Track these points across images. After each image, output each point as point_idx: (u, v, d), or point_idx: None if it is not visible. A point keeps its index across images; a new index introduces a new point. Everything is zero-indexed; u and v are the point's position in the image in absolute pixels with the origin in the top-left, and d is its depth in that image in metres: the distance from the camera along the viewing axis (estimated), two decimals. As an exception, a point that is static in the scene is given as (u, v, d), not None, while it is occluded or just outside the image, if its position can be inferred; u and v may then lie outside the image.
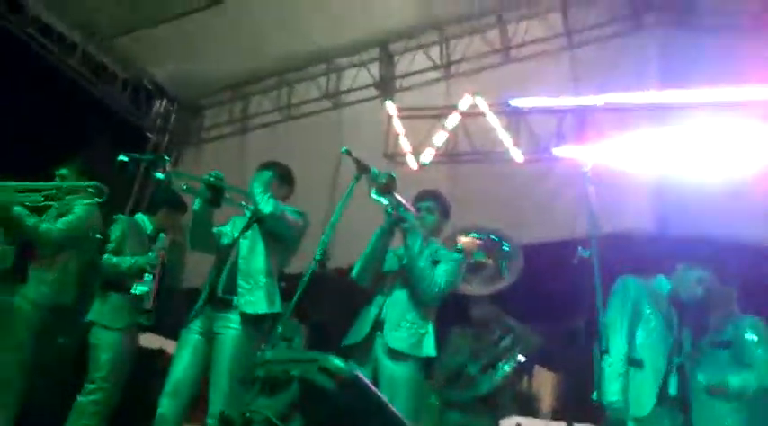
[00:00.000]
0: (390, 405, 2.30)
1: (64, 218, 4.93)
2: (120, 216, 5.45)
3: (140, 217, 5.43)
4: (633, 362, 3.82)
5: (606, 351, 3.54)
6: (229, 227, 4.65)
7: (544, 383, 5.83)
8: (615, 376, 3.83)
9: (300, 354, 2.51)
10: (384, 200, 4.19)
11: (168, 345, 6.04)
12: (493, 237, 5.05)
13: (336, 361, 2.32)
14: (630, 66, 7.37)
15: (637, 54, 7.35)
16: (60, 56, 8.71)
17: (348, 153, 4.17)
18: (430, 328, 4.17)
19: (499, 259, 5.09)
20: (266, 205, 4.38)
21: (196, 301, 4.34)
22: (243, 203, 4.67)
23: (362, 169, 4.15)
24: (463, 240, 4.88)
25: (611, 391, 3.78)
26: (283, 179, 4.74)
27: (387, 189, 4.18)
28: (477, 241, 4.95)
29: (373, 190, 4.16)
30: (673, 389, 3.83)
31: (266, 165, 4.75)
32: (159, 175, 4.30)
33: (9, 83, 8.86)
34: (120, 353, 4.85)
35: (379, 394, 2.31)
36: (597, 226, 3.68)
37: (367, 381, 2.29)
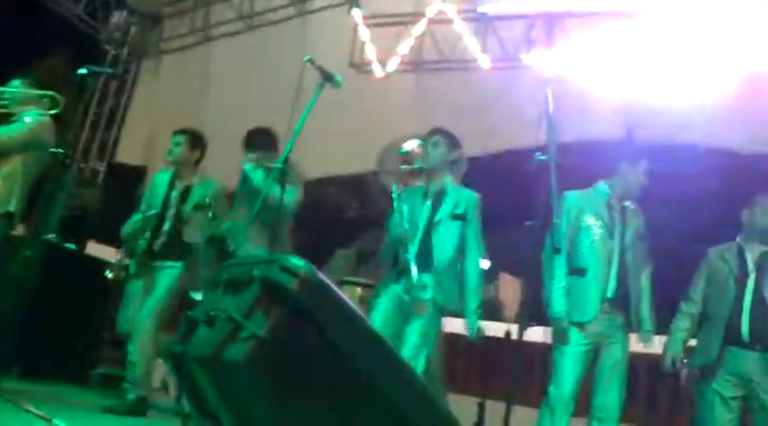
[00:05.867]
0: (353, 307, 2.29)
1: (7, 127, 4.75)
2: None
3: None
4: (577, 272, 3.99)
5: (559, 250, 3.85)
6: None
7: (510, 289, 5.91)
8: (559, 290, 4.01)
9: (263, 256, 2.48)
10: None
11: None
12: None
13: (297, 261, 2.29)
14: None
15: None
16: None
17: (311, 61, 4.08)
18: None
19: None
20: None
21: None
22: None
23: (326, 77, 4.06)
24: (408, 145, 4.74)
25: (557, 303, 4.00)
26: None
27: None
28: (419, 148, 4.80)
29: None
30: (610, 292, 4.01)
31: None
32: None
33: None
34: None
35: (341, 294, 2.29)
36: (554, 131, 3.74)
37: (329, 282, 2.27)
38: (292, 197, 4.77)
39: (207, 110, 8.82)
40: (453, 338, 5.80)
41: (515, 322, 5.89)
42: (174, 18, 9.56)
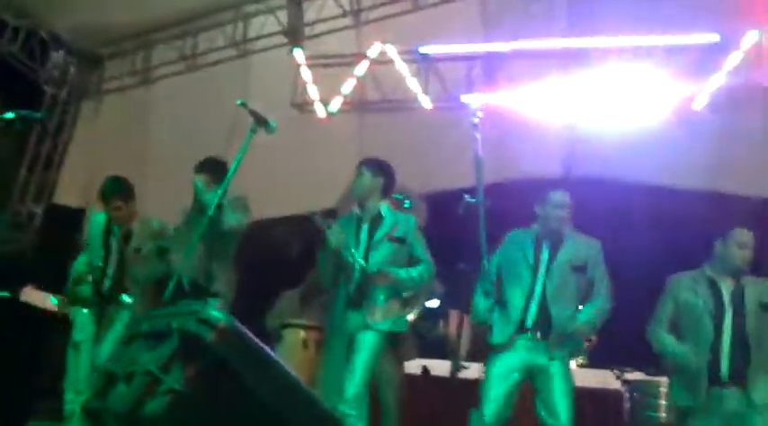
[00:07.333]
0: (271, 353, 2.25)
1: None
2: None
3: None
4: (500, 303, 4.24)
5: (489, 293, 4.21)
6: None
7: (456, 325, 5.90)
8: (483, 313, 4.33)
9: (183, 307, 2.41)
10: None
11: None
12: (395, 196, 5.03)
13: (215, 312, 2.25)
14: (540, 12, 7.34)
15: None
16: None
17: (244, 105, 4.00)
18: None
19: None
20: None
21: None
22: None
23: (259, 122, 3.99)
24: None
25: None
26: None
27: None
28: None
29: None
30: (530, 322, 4.18)
31: None
32: None
33: None
34: None
35: (258, 342, 2.24)
36: (482, 173, 3.96)
37: (246, 331, 2.22)
38: (235, 220, 4.68)
39: (147, 151, 8.68)
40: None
41: (467, 359, 5.87)
42: (114, 59, 9.39)
